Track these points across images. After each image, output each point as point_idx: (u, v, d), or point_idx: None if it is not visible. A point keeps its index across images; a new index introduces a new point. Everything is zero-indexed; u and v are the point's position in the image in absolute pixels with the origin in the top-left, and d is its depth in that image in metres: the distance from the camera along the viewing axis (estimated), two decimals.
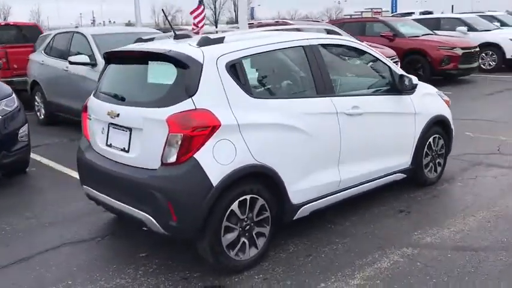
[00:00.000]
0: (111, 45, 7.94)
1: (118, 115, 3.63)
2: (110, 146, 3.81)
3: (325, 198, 4.07)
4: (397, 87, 4.72)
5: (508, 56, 14.71)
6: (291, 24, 12.51)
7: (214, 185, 3.29)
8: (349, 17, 43.03)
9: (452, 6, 48.44)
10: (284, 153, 3.69)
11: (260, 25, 13.30)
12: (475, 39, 14.33)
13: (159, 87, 3.60)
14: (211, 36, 3.66)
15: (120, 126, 3.68)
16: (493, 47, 14.79)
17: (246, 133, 3.46)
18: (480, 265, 3.56)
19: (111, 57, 4.12)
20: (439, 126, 5.21)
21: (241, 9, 9.86)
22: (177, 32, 4.23)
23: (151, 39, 4.33)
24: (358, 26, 14.35)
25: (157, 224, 3.38)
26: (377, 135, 4.49)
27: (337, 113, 4.08)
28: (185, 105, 3.32)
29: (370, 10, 48.14)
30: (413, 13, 24.28)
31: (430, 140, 5.10)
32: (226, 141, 3.37)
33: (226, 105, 3.43)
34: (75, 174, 6.00)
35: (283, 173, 3.66)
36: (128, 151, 3.62)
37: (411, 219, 4.46)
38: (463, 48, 12.92)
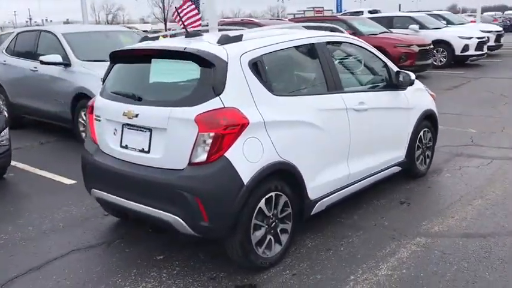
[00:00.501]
0: (85, 44, 7.79)
1: (137, 115, 3.54)
2: (126, 147, 3.70)
3: (338, 193, 4.15)
4: (393, 83, 4.88)
5: (457, 53, 15.47)
6: (256, 22, 12.57)
7: (245, 183, 3.28)
8: (292, 16, 43.68)
9: (400, 5, 50.20)
10: (303, 150, 3.74)
11: (225, 23, 13.28)
12: (427, 36, 14.95)
13: (182, 86, 3.54)
14: (230, 34, 3.64)
15: (138, 126, 3.59)
16: (443, 44, 15.50)
17: (270, 131, 3.47)
18: (492, 250, 3.76)
19: (121, 56, 4.00)
20: (428, 120, 5.44)
21: (210, 7, 9.77)
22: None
23: (157, 38, 4.25)
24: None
25: (186, 225, 3.33)
26: (379, 130, 4.63)
27: (347, 109, 4.17)
28: (213, 103, 3.29)
29: (312, 9, 49.01)
30: (362, 12, 24.92)
31: (421, 133, 5.31)
32: (254, 139, 3.37)
33: (252, 103, 3.43)
34: (59, 179, 5.85)
35: (303, 169, 3.71)
36: (148, 152, 3.54)
37: (414, 210, 4.63)
38: (419, 46, 13.48)
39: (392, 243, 3.92)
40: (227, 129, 3.23)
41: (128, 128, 3.68)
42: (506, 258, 3.63)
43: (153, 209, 3.47)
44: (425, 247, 3.85)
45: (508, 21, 33.93)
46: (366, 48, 4.76)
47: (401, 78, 4.84)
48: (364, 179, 4.48)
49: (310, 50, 4.10)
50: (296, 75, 4.12)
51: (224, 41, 3.55)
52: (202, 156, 3.26)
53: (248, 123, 3.32)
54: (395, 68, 4.97)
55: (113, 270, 3.69)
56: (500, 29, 19.28)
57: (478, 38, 15.78)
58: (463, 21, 19.80)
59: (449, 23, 18.27)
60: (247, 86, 3.44)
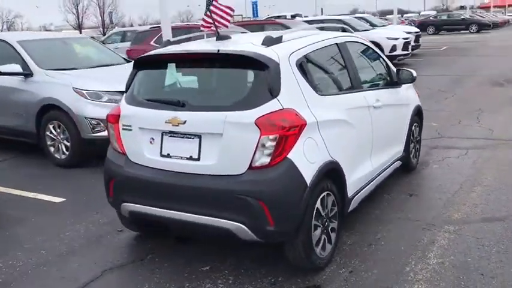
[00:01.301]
0: (44, 52, 7.28)
1: (184, 122, 3.39)
2: (168, 156, 3.52)
3: (365, 188, 4.25)
4: (393, 81, 5.08)
5: (386, 53, 16.31)
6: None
7: (308, 184, 3.27)
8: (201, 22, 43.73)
9: (322, 9, 51.86)
10: (343, 148, 3.79)
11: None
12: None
13: (234, 90, 3.45)
14: (273, 35, 3.60)
15: (184, 133, 3.43)
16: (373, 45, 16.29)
17: (322, 130, 3.49)
18: None
19: (152, 61, 3.81)
20: (417, 115, 5.72)
21: (161, 10, 9.49)
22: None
23: (179, 42, 4.09)
24: (257, 29, 14.68)
25: (249, 231, 3.24)
26: (388, 126, 4.81)
27: (369, 107, 4.29)
28: (272, 105, 3.24)
29: None
30: (285, 16, 25.55)
31: (413, 128, 5.58)
32: (311, 140, 3.37)
33: (304, 103, 3.42)
34: (45, 197, 5.44)
35: (344, 166, 3.76)
36: (198, 159, 3.40)
37: (425, 201, 4.85)
38: None
39: (425, 233, 4.08)
40: (290, 131, 3.20)
41: (170, 136, 3.51)
42: None
43: (209, 218, 3.34)
44: (457, 234, 4.05)
45: (412, 23, 36.40)
46: (371, 48, 4.93)
47: (401, 76, 5.06)
48: (381, 173, 4.63)
49: (336, 50, 4.18)
50: (330, 74, 4.17)
51: (269, 42, 3.52)
52: (265, 159, 3.20)
53: (306, 124, 3.31)
54: (393, 67, 5.18)
55: (163, 286, 3.50)
56: (418, 30, 20.69)
57: (403, 38, 16.83)
58: (384, 24, 20.98)
59: (372, 25, 19.29)
60: (298, 87, 3.43)
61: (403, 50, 16.71)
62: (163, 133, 3.54)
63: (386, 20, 28.38)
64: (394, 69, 5.13)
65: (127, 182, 3.71)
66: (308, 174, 3.28)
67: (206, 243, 4.13)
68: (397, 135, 5.15)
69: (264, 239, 3.31)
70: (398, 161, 5.21)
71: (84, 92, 6.42)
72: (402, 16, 61.31)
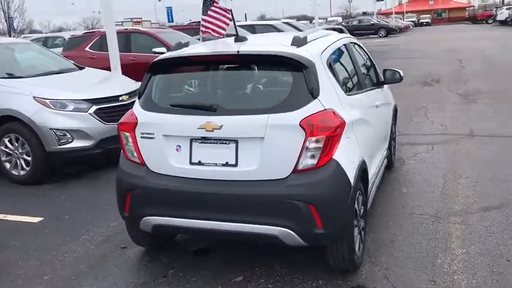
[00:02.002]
0: None
1: (220, 127, 3.22)
2: (199, 163, 3.33)
3: (374, 185, 4.33)
4: (379, 81, 5.23)
5: None
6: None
7: (352, 183, 3.25)
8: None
9: (246, 14, 51.98)
10: (366, 146, 3.83)
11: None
12: None
13: (271, 91, 3.34)
14: (300, 35, 3.54)
15: (219, 139, 3.27)
16: None
17: (355, 129, 3.50)
18: None
19: (174, 64, 3.59)
20: (394, 113, 5.94)
21: (106, 9, 9.00)
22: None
23: (186, 44, 3.89)
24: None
25: (297, 236, 3.15)
26: (382, 125, 4.93)
27: (376, 106, 4.38)
28: (314, 106, 3.19)
29: (130, 20, 48.21)
30: None
31: (392, 126, 5.78)
32: (350, 139, 3.36)
33: (339, 103, 3.40)
34: (19, 218, 4.96)
35: (368, 165, 3.80)
36: (235, 165, 3.25)
37: (419, 194, 5.02)
38: None
39: (437, 226, 4.22)
40: (336, 131, 3.16)
41: (201, 142, 3.32)
42: None
43: (253, 226, 3.20)
44: (465, 224, 4.24)
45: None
46: (363, 48, 5.03)
47: (388, 76, 5.21)
48: (379, 169, 4.74)
49: (346, 51, 4.21)
50: (348, 74, 4.18)
51: (299, 42, 3.45)
52: (312, 161, 3.13)
53: (345, 124, 3.30)
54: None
55: None
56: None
57: None
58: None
59: (298, 30, 19.76)
60: (332, 86, 3.41)
61: None
62: (192, 140, 3.35)
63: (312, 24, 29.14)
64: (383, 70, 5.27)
65: (150, 194, 3.46)
66: (351, 174, 3.27)
67: (224, 253, 3.97)
68: (385, 134, 5.29)
69: (311, 243, 3.24)
70: (385, 159, 5.36)
71: (47, 101, 5.92)
72: (311, 22, 63.50)
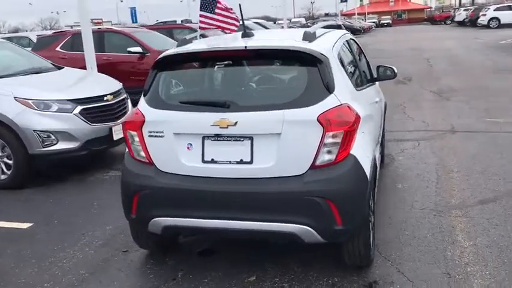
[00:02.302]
0: None
1: (235, 123, 3.14)
2: (212, 161, 3.24)
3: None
4: (373, 78, 5.25)
5: None
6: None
7: (368, 178, 3.23)
8: (70, 27, 41.42)
9: (189, 14, 51.52)
10: (373, 141, 3.82)
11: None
12: None
13: (287, 87, 3.29)
14: (310, 31, 3.50)
15: (233, 136, 3.19)
16: None
17: (366, 124, 3.48)
18: None
19: (184, 60, 3.48)
20: (385, 110, 5.98)
21: (82, 14, 8.77)
22: None
23: (190, 40, 3.78)
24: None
25: (315, 232, 3.11)
26: (380, 120, 4.96)
27: (376, 101, 4.40)
28: (331, 101, 3.14)
29: (91, 21, 47.25)
30: (175, 21, 25.14)
31: (384, 122, 5.83)
32: (364, 134, 3.35)
33: (352, 98, 3.38)
34: (4, 224, 4.74)
35: (376, 160, 3.80)
36: (250, 162, 3.18)
37: (415, 189, 5.06)
38: None
39: (441, 220, 4.26)
40: (352, 126, 3.13)
41: (214, 140, 3.23)
42: None
43: (271, 224, 3.13)
44: (467, 217, 4.30)
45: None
46: (359, 45, 5.04)
47: (382, 72, 5.23)
48: (380, 166, 4.75)
49: (349, 46, 4.21)
50: (353, 69, 4.16)
51: (311, 37, 3.41)
52: (330, 157, 3.09)
53: (360, 118, 3.28)
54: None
55: None
56: None
57: None
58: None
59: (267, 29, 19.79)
60: (344, 81, 3.38)
61: None
62: (204, 137, 3.25)
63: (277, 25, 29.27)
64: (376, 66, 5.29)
65: (159, 194, 3.34)
66: (367, 168, 3.25)
67: (229, 253, 3.88)
68: (381, 130, 5.32)
69: (329, 240, 3.20)
70: (380, 154, 5.39)
71: (30, 101, 5.67)
72: (275, 23, 63.76)
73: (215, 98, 3.34)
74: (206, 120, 3.20)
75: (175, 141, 3.31)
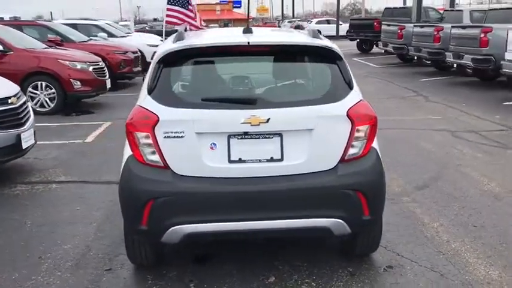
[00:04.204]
0: None
1: (267, 120, 3.05)
2: (240, 161, 3.09)
3: None
4: None
5: (148, 60, 16.34)
6: None
7: (383, 170, 3.42)
8: None
9: (51, 12, 46.31)
10: None
11: None
12: (122, 44, 15.23)
13: (312, 82, 3.28)
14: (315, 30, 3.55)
15: (262, 133, 3.09)
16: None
17: None
18: (502, 200, 5.04)
19: (194, 55, 3.22)
20: None
21: None
22: None
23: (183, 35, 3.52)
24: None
25: (346, 225, 3.19)
26: None
27: None
28: (354, 97, 3.25)
29: None
30: (2, 18, 22.39)
31: None
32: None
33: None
34: None
35: None
36: (281, 159, 3.12)
37: None
38: (133, 53, 13.77)
39: (400, 207, 4.67)
40: (376, 120, 3.28)
41: (241, 138, 3.09)
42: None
43: (305, 220, 3.12)
44: (417, 202, 4.79)
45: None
46: None
47: None
48: None
49: None
50: None
51: (318, 36, 3.47)
52: (358, 150, 3.20)
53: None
54: None
55: None
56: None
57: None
58: (129, 31, 20.75)
59: (105, 31, 18.63)
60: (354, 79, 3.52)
61: None
62: (230, 136, 3.09)
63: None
64: None
65: (181, 200, 3.07)
66: (381, 160, 3.43)
67: (232, 257, 3.72)
68: None
69: (356, 230, 3.30)
70: None
71: None
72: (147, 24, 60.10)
73: (242, 95, 3.19)
74: (235, 118, 3.05)
75: (197, 141, 3.08)
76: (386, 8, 23.95)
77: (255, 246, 3.81)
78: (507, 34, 10.50)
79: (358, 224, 3.25)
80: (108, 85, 10.78)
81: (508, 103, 10.19)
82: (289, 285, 3.35)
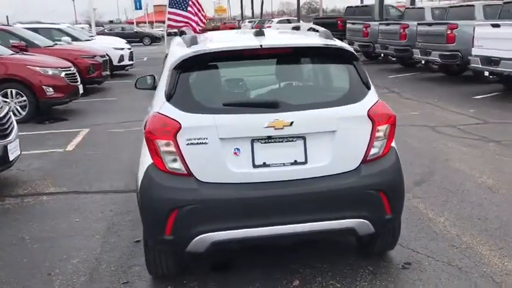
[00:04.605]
0: None
1: (291, 123, 3.02)
2: (265, 165, 3.05)
3: None
4: None
5: (115, 63, 16.04)
6: None
7: (401, 169, 3.44)
8: None
9: (7, 16, 44.31)
10: None
11: None
12: (88, 48, 14.84)
13: (332, 84, 3.28)
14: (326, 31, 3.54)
15: (286, 136, 3.06)
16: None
17: None
18: (493, 193, 5.16)
19: (213, 59, 3.16)
20: None
21: None
22: None
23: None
24: None
25: (370, 224, 3.20)
26: None
27: None
28: (371, 97, 3.26)
29: None
30: None
31: None
32: None
33: None
34: None
35: None
36: (304, 162, 3.10)
37: None
38: (101, 57, 13.45)
39: None
40: (395, 120, 3.29)
41: (265, 142, 3.06)
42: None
43: (329, 222, 3.11)
44: (418, 197, 4.87)
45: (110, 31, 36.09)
46: None
47: None
48: None
49: None
50: None
51: (331, 37, 3.46)
52: (379, 150, 3.22)
53: None
54: None
55: None
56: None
57: (128, 48, 16.89)
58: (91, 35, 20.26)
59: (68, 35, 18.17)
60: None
61: (129, 60, 16.78)
62: (253, 140, 3.05)
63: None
64: None
65: (207, 207, 3.00)
66: (399, 159, 3.46)
67: (244, 262, 3.67)
68: None
69: (379, 229, 3.31)
70: None
71: None
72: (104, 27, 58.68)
73: (263, 99, 3.15)
74: (258, 122, 3.01)
75: (221, 147, 3.02)
76: (348, 7, 24.30)
77: (269, 251, 3.76)
78: (473, 31, 10.87)
79: (381, 223, 3.28)
80: (81, 90, 10.49)
81: (478, 97, 10.55)
82: (314, 287, 3.33)
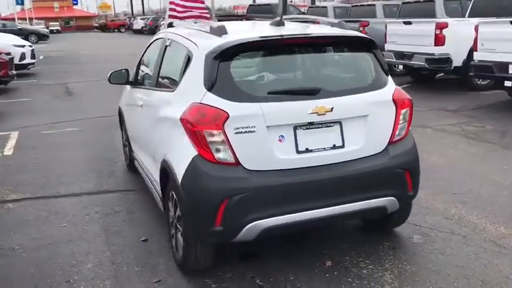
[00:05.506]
0: None
1: (332, 109, 3.14)
2: (307, 151, 3.15)
3: None
4: None
5: (16, 62, 14.70)
6: None
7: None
8: None
9: None
10: None
11: None
12: None
13: (360, 71, 3.45)
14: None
15: (324, 122, 3.18)
16: None
17: None
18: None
19: (251, 49, 3.22)
20: None
21: None
22: None
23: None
24: None
25: (397, 201, 3.44)
26: None
27: None
28: (391, 83, 3.50)
29: None
30: None
31: None
32: None
33: None
34: None
35: None
36: (342, 146, 3.25)
37: None
38: (6, 54, 12.37)
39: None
40: (412, 104, 3.54)
41: (306, 128, 3.15)
42: None
43: (366, 202, 3.30)
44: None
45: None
46: None
47: None
48: None
49: None
50: None
51: (347, 27, 3.64)
52: (402, 132, 3.47)
53: None
54: None
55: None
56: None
57: (29, 46, 15.71)
58: None
59: None
60: None
61: (31, 58, 15.60)
62: (296, 127, 3.13)
63: None
64: None
65: (258, 195, 3.03)
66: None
67: (269, 249, 3.72)
68: None
69: (402, 205, 3.57)
70: None
71: None
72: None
73: (304, 85, 3.23)
74: (302, 109, 3.10)
75: (267, 135, 3.06)
76: (250, 5, 24.85)
77: (283, 239, 3.83)
78: (385, 27, 11.80)
79: (405, 200, 3.55)
80: None
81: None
82: (347, 265, 3.49)
